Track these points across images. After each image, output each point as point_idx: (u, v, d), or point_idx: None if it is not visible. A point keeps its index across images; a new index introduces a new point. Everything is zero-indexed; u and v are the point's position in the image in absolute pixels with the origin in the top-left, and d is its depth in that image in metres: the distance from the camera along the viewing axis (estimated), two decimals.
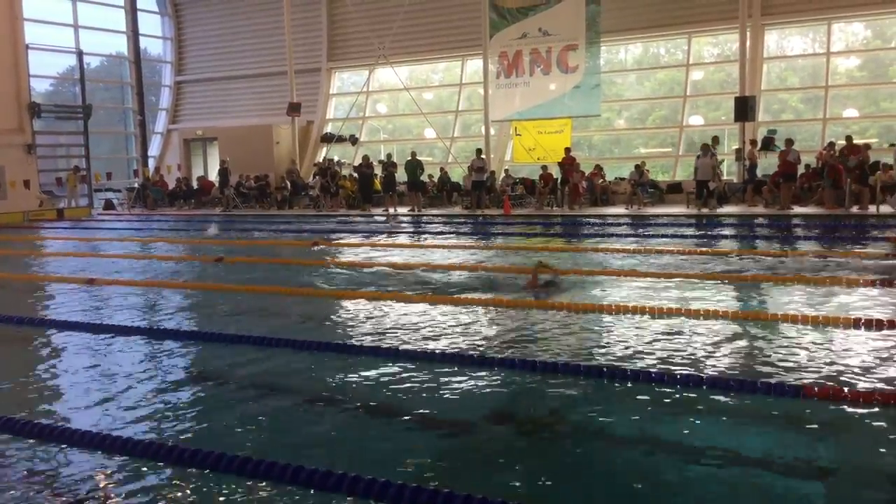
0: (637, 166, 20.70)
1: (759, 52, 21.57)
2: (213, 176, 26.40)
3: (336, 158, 26.71)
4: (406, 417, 4.23)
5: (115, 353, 5.99)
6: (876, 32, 22.04)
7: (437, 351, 5.51)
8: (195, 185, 26.69)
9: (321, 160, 26.15)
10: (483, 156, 21.72)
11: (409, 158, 22.06)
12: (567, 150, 21.02)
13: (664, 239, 12.65)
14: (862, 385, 4.45)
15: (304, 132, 27.72)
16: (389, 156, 23.57)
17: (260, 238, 15.69)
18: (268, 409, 4.46)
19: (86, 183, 25.32)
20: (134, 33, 28.72)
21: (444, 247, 12.47)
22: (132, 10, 28.51)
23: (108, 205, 26.67)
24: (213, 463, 3.53)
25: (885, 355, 5.09)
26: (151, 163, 29.34)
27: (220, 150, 26.87)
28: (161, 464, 3.63)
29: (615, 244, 12.02)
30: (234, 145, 26.38)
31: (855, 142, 17.72)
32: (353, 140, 27.35)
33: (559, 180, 20.92)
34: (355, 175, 23.69)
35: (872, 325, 5.75)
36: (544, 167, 21.60)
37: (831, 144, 18.04)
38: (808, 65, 22.65)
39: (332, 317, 7.20)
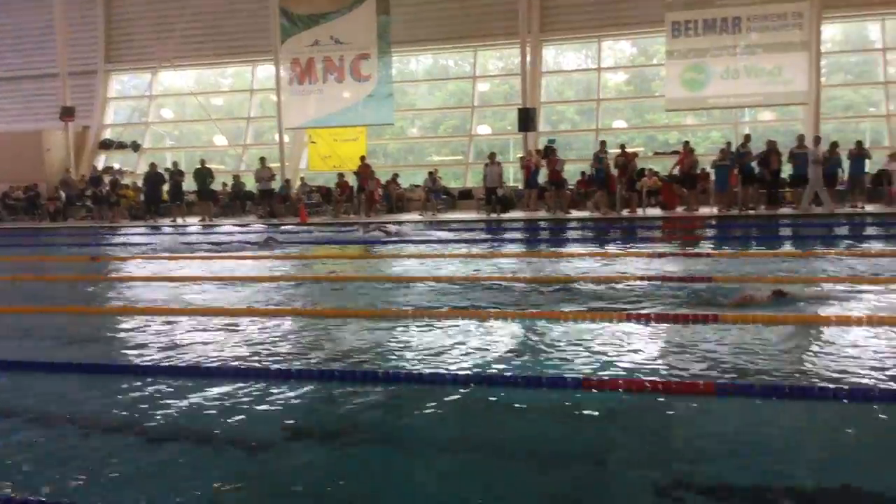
0: (430, 173, 21.26)
1: (538, 66, 22.95)
2: None
3: (117, 166, 25.06)
4: (200, 439, 4.02)
5: None
6: (640, 50, 24.23)
7: (230, 366, 5.30)
8: None
9: (93, 170, 24.40)
10: (269, 164, 21.36)
11: (199, 167, 21.19)
12: (362, 158, 21.17)
13: (458, 244, 13.09)
14: (638, 375, 4.83)
15: (80, 138, 25.75)
16: (176, 164, 22.46)
17: (28, 254, 14.34)
18: (44, 441, 4.05)
19: None
20: None
21: (238, 258, 12.09)
22: None
23: None
24: None
25: (656, 346, 5.57)
26: None
27: None
28: None
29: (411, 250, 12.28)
30: None
31: (626, 150, 19.30)
32: (136, 147, 25.79)
33: (355, 188, 21.01)
34: (140, 185, 22.37)
35: (642, 319, 6.27)
36: (340, 175, 21.60)
37: (595, 154, 19.49)
38: (582, 79, 24.44)
39: (113, 335, 6.71)
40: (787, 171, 18.41)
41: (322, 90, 23.02)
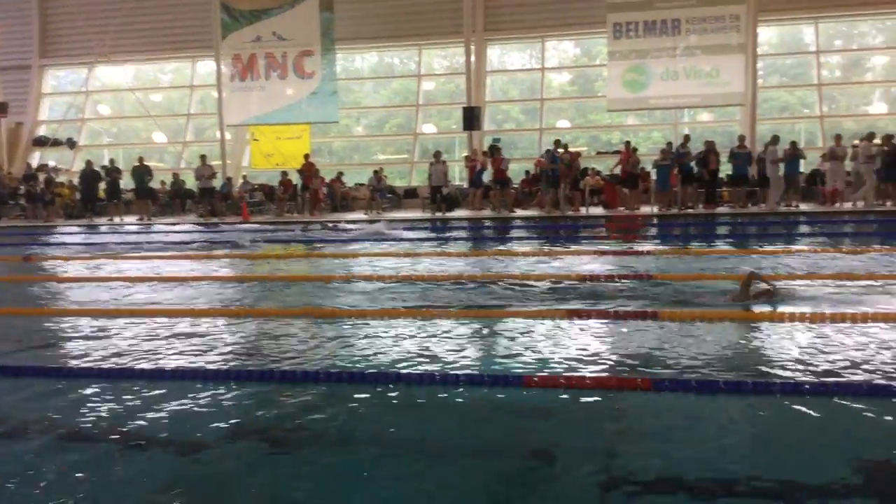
0: (375, 172, 21.15)
1: (482, 65, 23.02)
2: None
3: (52, 164, 24.33)
4: (138, 442, 3.90)
5: None
6: (584, 51, 24.51)
7: (169, 368, 5.16)
8: None
9: (27, 167, 23.64)
10: (210, 162, 20.99)
11: (137, 164, 20.69)
12: (306, 156, 20.93)
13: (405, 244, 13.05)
14: (577, 372, 4.86)
15: (13, 135, 24.95)
16: (113, 161, 21.90)
17: None
18: None
19: None
20: None
21: (182, 257, 11.84)
22: None
23: None
24: None
25: (598, 344, 5.62)
26: None
27: None
28: None
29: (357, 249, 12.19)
30: None
31: (570, 149, 19.48)
32: (72, 143, 25.09)
33: (299, 186, 20.77)
34: (76, 183, 21.75)
35: (582, 316, 6.32)
36: (284, 173, 21.33)
37: (548, 152, 19.70)
38: (526, 79, 24.61)
39: (50, 337, 6.48)
40: (724, 170, 18.84)
41: (265, 87, 22.71)
